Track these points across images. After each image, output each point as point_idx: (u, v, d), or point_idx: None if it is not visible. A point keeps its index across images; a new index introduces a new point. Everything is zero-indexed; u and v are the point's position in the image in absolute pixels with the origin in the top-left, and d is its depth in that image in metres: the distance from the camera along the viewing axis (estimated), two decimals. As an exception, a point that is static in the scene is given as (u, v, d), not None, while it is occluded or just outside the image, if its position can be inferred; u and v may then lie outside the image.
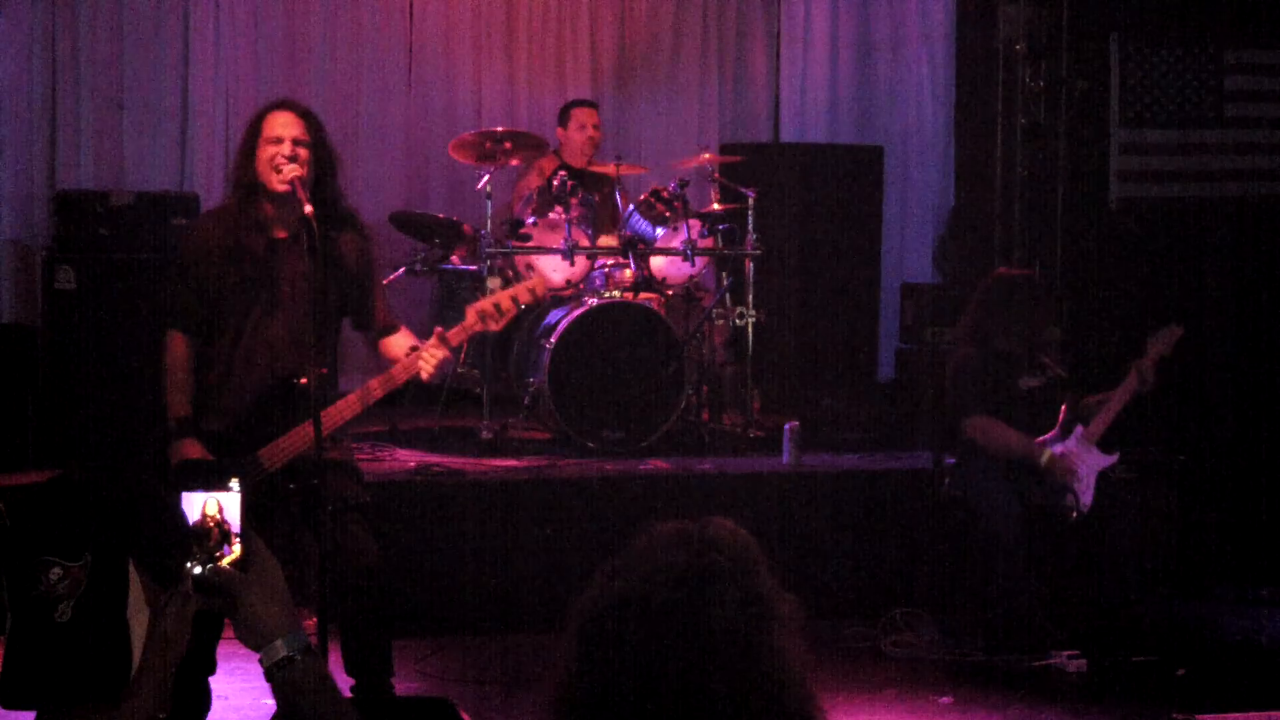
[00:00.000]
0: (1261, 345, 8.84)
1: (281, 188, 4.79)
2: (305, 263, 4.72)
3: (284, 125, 4.83)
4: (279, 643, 2.24)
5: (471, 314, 4.97)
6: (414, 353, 4.90)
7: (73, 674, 2.05)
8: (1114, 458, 6.40)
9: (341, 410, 4.81)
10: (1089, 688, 5.96)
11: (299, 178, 4.76)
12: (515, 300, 5.00)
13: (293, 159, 4.80)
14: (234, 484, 2.30)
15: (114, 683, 2.06)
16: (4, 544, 2.13)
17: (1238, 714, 5.57)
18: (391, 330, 5.09)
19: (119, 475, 2.22)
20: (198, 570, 2.25)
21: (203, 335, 4.90)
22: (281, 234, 4.90)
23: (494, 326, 5.00)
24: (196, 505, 2.30)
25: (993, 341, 6.46)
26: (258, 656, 2.27)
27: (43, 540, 2.09)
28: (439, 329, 4.92)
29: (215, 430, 4.84)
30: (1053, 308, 6.77)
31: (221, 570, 2.25)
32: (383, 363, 5.08)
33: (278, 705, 2.26)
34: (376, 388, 4.86)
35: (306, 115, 4.91)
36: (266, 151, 4.82)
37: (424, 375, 4.87)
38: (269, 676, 2.24)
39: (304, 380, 4.64)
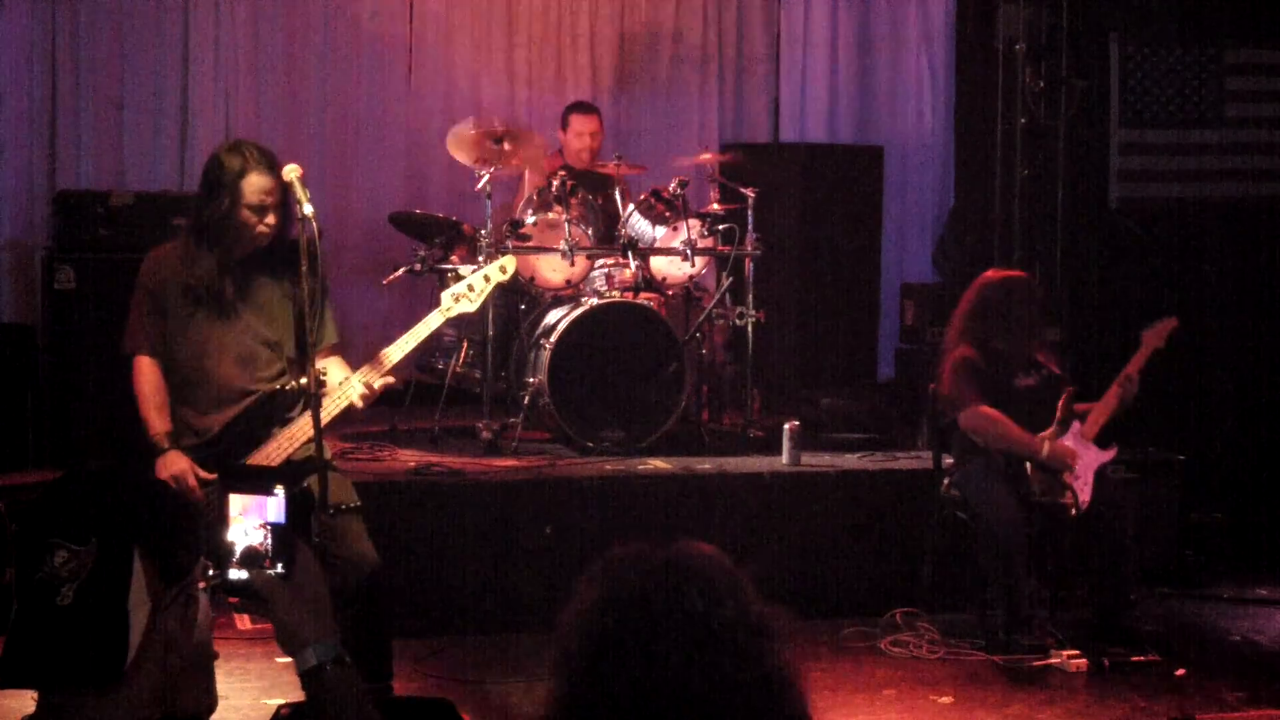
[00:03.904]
0: (1261, 345, 8.85)
1: (264, 241, 4.84)
2: (271, 277, 4.76)
3: (265, 193, 4.82)
4: (309, 651, 2.28)
5: (446, 298, 5.02)
6: (345, 381, 4.87)
7: (69, 658, 2.07)
8: (1111, 453, 6.42)
9: (305, 429, 4.80)
10: (1089, 688, 5.96)
11: (299, 177, 4.77)
12: (486, 278, 5.05)
13: (271, 218, 4.86)
14: (278, 490, 2.33)
15: (108, 670, 2.08)
16: (14, 532, 2.17)
17: (1238, 714, 5.58)
18: (332, 354, 5.06)
19: (132, 469, 2.25)
20: (238, 575, 2.28)
21: (170, 356, 4.91)
22: (244, 252, 4.93)
23: (469, 308, 5.04)
24: (238, 508, 2.32)
25: (988, 342, 6.46)
26: (272, 661, 2.29)
27: (52, 522, 2.11)
28: (382, 353, 4.89)
29: (193, 446, 4.85)
30: (1046, 307, 6.77)
31: (259, 576, 2.28)
32: None
33: (308, 710, 2.29)
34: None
35: (279, 173, 4.89)
36: (247, 216, 4.84)
37: (358, 402, 4.84)
38: (302, 683, 2.27)
39: (300, 382, 4.64)
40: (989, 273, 6.77)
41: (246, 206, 4.83)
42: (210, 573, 2.26)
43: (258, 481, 2.35)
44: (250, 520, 2.32)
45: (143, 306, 4.97)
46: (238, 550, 2.32)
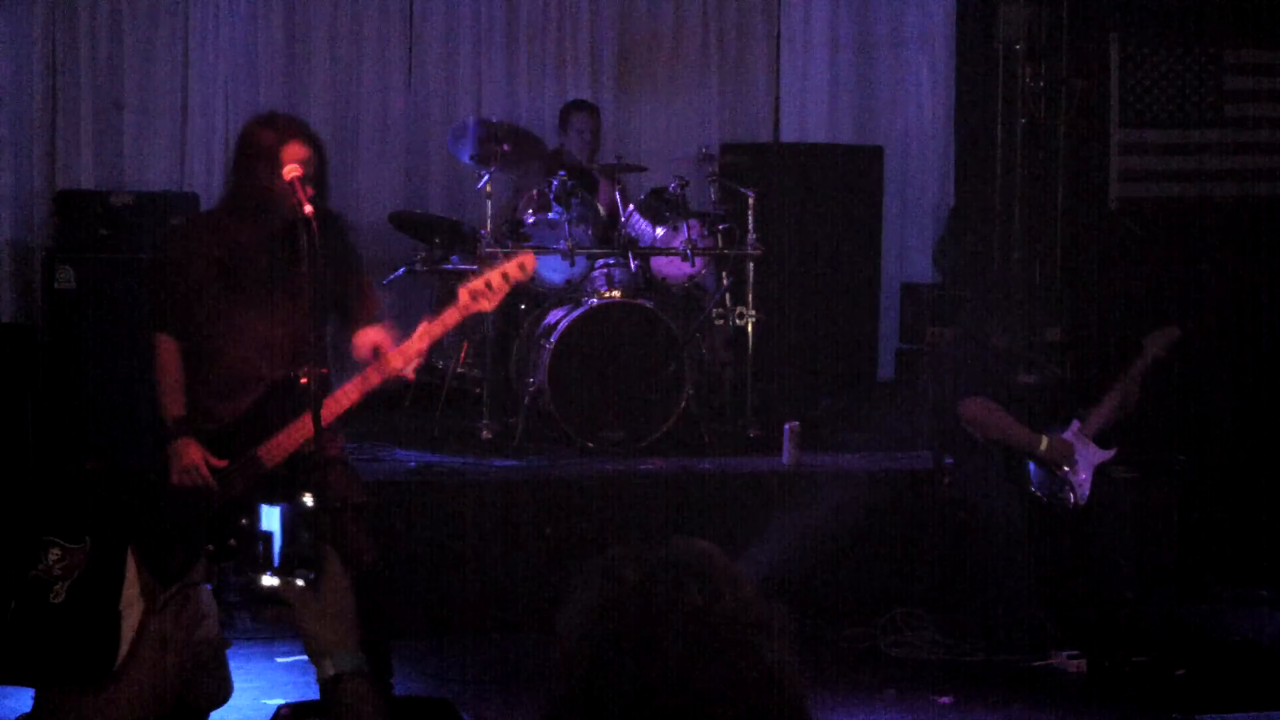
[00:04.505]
0: (1261, 345, 8.84)
1: (299, 212, 4.80)
2: (296, 262, 4.71)
3: (303, 162, 4.78)
4: (328, 661, 2.31)
5: (464, 294, 4.97)
6: (400, 347, 4.87)
7: (60, 656, 2.08)
8: (1111, 452, 6.43)
9: (340, 400, 4.80)
10: (1089, 688, 5.96)
11: (298, 177, 4.76)
12: (505, 276, 5.00)
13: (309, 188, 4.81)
14: (307, 499, 2.34)
15: (97, 668, 2.09)
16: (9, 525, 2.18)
17: (1238, 714, 5.58)
18: (372, 323, 5.05)
19: (130, 470, 2.27)
20: (269, 582, 2.30)
21: (191, 336, 4.89)
22: (273, 234, 4.90)
23: (486, 305, 4.99)
24: (272, 517, 2.34)
25: (990, 340, 6.48)
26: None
27: (47, 520, 2.13)
28: (425, 321, 4.90)
29: (212, 429, 4.84)
30: (1050, 308, 6.79)
31: (287, 585, 2.31)
32: (353, 354, 5.03)
33: (324, 718, 2.32)
34: (374, 376, 4.85)
35: (315, 143, 4.89)
36: (286, 186, 4.81)
37: (407, 374, 4.86)
38: (320, 691, 2.29)
39: (304, 379, 4.64)
40: (994, 271, 6.79)
41: (283, 175, 4.82)
42: (242, 580, 2.30)
43: (287, 490, 2.37)
44: (280, 528, 2.34)
45: (164, 283, 4.94)
46: (268, 557, 2.34)
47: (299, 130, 4.89)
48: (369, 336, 4.95)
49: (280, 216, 4.85)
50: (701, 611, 1.71)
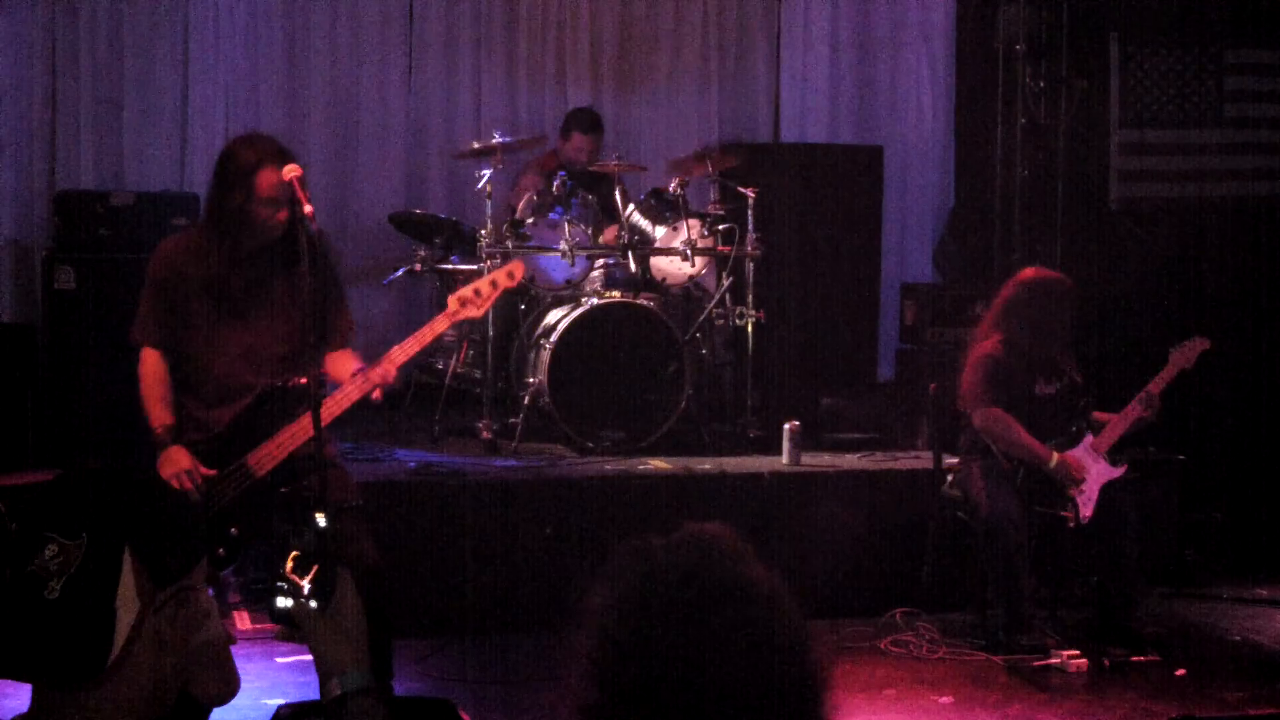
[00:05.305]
0: (1261, 345, 8.85)
1: (277, 234, 4.82)
2: (295, 261, 4.71)
3: (279, 189, 4.79)
4: (335, 681, 2.31)
5: (453, 301, 4.99)
6: (359, 374, 4.87)
7: (53, 652, 2.09)
8: (1121, 470, 6.38)
9: (328, 407, 4.80)
10: (1089, 688, 5.96)
11: (299, 178, 4.76)
12: (494, 284, 5.02)
13: (284, 212, 4.83)
14: (320, 519, 2.35)
15: (90, 666, 2.10)
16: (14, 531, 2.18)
17: (1238, 714, 5.58)
18: (340, 348, 5.07)
19: (129, 469, 2.27)
20: (283, 603, 2.32)
21: (179, 350, 4.91)
22: (258, 246, 4.92)
23: (475, 312, 5.00)
24: (283, 535, 2.35)
25: (1017, 341, 6.42)
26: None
27: (45, 516, 2.13)
28: (394, 349, 4.90)
29: (201, 439, 4.84)
30: (1075, 313, 6.70)
31: (298, 607, 2.32)
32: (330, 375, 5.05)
33: None
34: (366, 383, 4.85)
35: (292, 163, 4.89)
36: (261, 210, 4.83)
37: (374, 395, 4.86)
38: (327, 709, 2.30)
39: (303, 380, 4.64)
40: (1029, 270, 6.69)
41: (260, 200, 4.82)
42: (241, 581, 2.31)
43: (284, 500, 2.38)
44: (294, 548, 2.35)
45: (151, 298, 4.96)
46: (283, 577, 2.36)
47: (275, 155, 4.85)
48: (343, 362, 4.97)
49: (261, 232, 4.86)
50: (736, 578, 1.73)
